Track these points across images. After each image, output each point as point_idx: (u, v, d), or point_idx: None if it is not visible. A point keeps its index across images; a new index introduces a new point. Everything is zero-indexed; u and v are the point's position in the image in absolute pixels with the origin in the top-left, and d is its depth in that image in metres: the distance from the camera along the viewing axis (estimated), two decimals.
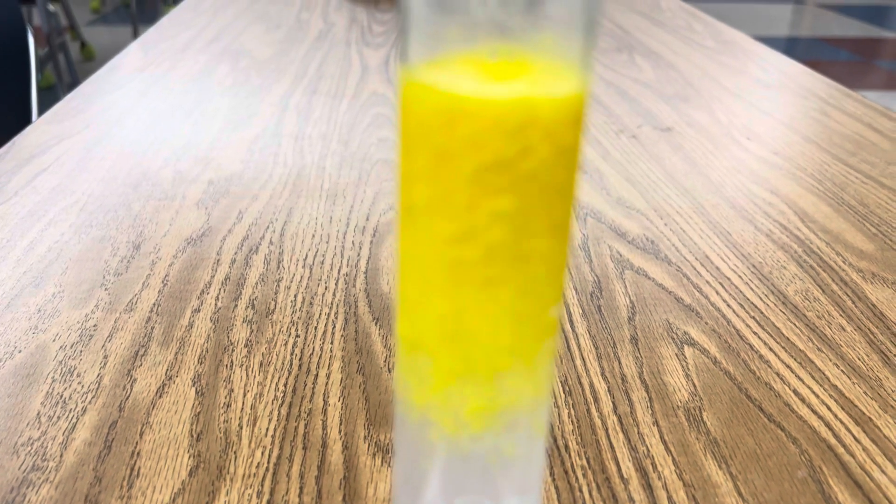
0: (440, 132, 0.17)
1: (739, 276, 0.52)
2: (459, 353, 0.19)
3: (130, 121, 0.76)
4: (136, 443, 0.36)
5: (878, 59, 3.79)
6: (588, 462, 0.35)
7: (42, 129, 0.73)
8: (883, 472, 0.35)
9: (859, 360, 0.43)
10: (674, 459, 0.36)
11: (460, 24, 0.16)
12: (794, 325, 0.47)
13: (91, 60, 3.43)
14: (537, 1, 0.16)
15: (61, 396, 0.39)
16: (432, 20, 0.16)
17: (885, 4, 5.11)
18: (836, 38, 4.19)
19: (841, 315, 0.48)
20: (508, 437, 0.21)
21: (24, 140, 0.70)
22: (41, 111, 2.66)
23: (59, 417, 0.37)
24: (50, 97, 2.89)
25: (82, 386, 0.39)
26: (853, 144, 0.76)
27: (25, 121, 1.12)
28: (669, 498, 0.34)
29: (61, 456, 0.35)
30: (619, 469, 0.35)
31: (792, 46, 4.01)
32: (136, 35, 3.65)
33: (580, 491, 0.34)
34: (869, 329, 0.46)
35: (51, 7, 2.71)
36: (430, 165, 0.17)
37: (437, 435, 0.21)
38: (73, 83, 2.75)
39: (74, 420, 0.37)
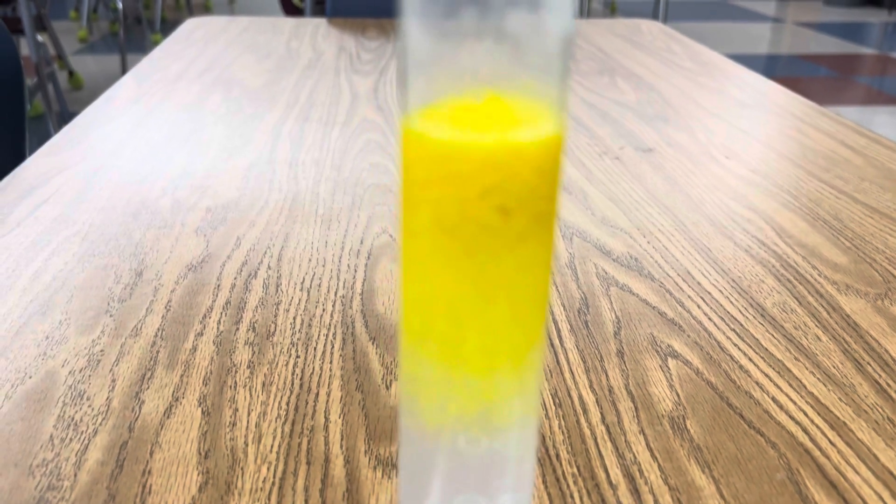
0: (432, 171, 0.19)
1: (720, 291, 0.54)
2: (456, 352, 0.22)
3: (127, 151, 0.78)
4: (147, 461, 0.37)
5: (855, 74, 3.87)
6: (578, 469, 0.37)
7: (41, 160, 0.75)
8: (857, 472, 0.38)
9: (834, 367, 0.46)
10: (659, 465, 0.38)
11: (451, 72, 0.18)
12: (773, 336, 0.49)
13: (79, 89, 3.45)
14: (519, 51, 0.18)
15: (73, 419, 0.40)
16: (427, 71, 0.18)
17: (860, 21, 5.21)
18: (815, 54, 4.27)
19: (817, 326, 0.50)
20: (502, 438, 0.23)
21: (24, 172, 0.72)
22: (31, 140, 2.67)
23: (71, 439, 0.39)
24: (39, 126, 2.90)
25: (92, 409, 0.41)
26: (827, 161, 0.79)
27: (19, 150, 1.14)
28: (656, 502, 0.35)
29: (75, 476, 0.36)
30: (608, 476, 0.37)
31: (772, 64, 4.08)
32: (123, 63, 3.67)
33: (571, 497, 0.36)
34: (843, 338, 0.49)
35: (39, 37, 2.73)
36: (428, 199, 0.20)
37: (437, 436, 0.23)
38: (62, 112, 2.77)
39: (86, 441, 0.39)
